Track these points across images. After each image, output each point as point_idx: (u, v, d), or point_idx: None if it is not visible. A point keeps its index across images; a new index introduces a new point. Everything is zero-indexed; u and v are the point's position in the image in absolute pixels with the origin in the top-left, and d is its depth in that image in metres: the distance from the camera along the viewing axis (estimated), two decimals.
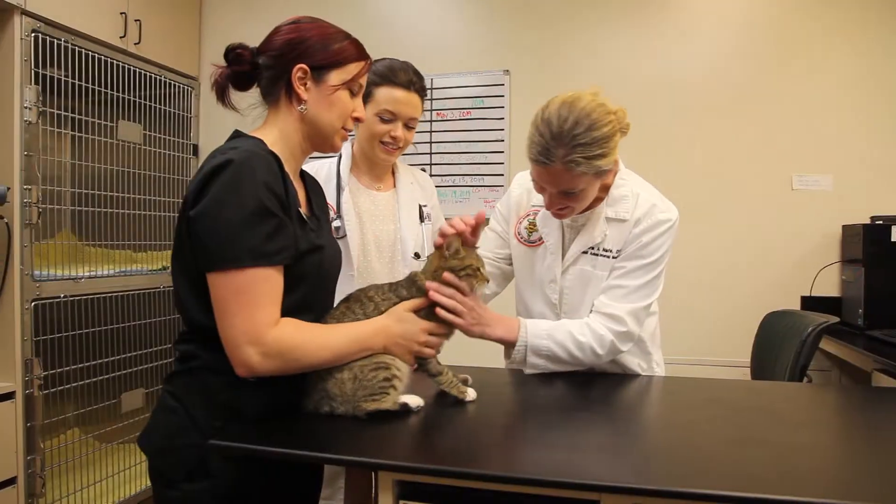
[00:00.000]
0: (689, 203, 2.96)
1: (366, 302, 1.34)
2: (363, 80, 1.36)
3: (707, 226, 3.06)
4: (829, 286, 2.99)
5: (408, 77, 1.83)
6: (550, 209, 1.58)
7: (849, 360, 2.65)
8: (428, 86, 3.31)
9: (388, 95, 1.80)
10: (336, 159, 1.94)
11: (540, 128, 1.47)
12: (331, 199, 1.85)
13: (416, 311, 1.35)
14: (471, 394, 1.38)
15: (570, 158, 1.44)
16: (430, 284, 1.37)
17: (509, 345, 1.58)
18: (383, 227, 1.89)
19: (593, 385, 1.60)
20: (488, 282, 1.49)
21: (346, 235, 1.82)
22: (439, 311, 1.37)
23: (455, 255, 1.38)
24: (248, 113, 1.36)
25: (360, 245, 1.84)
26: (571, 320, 1.61)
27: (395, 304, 1.35)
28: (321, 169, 1.90)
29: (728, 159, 3.06)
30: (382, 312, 1.33)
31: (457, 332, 1.43)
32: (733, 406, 1.42)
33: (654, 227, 1.59)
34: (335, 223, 1.80)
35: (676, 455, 1.12)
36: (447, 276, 1.38)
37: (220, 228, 1.14)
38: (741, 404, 1.44)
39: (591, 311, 1.62)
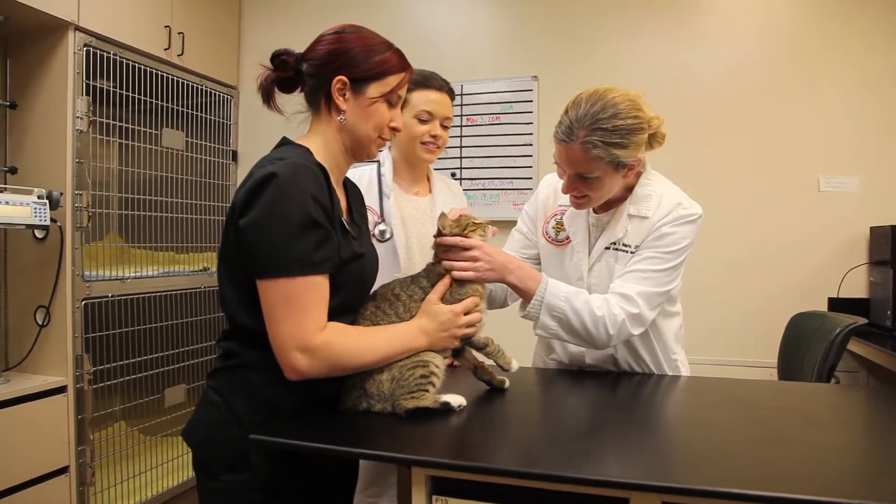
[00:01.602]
0: (716, 205, 2.93)
1: (393, 301, 1.36)
2: (402, 91, 1.36)
3: (734, 227, 3.01)
4: (856, 288, 2.92)
5: (439, 81, 1.91)
6: (567, 192, 1.59)
7: (877, 361, 2.58)
8: (458, 91, 3.35)
9: (423, 98, 1.87)
10: (376, 166, 1.98)
11: (569, 110, 1.51)
12: (373, 203, 1.90)
13: (443, 298, 1.37)
14: (514, 364, 1.45)
15: (588, 139, 1.47)
16: (443, 257, 1.43)
17: (525, 296, 1.54)
18: (424, 230, 1.93)
19: (620, 385, 1.58)
20: (488, 224, 1.49)
21: (391, 238, 1.87)
22: (454, 273, 1.41)
23: (453, 226, 1.45)
24: (293, 119, 1.37)
25: (406, 248, 1.90)
26: (592, 294, 1.57)
27: (420, 297, 1.37)
28: (363, 176, 1.95)
29: (755, 162, 3.01)
30: (411, 308, 1.35)
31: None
32: (760, 406, 1.40)
33: (676, 220, 1.57)
34: (380, 227, 1.87)
35: (703, 454, 1.11)
36: (440, 240, 1.44)
37: (270, 239, 1.16)
38: (768, 404, 1.41)
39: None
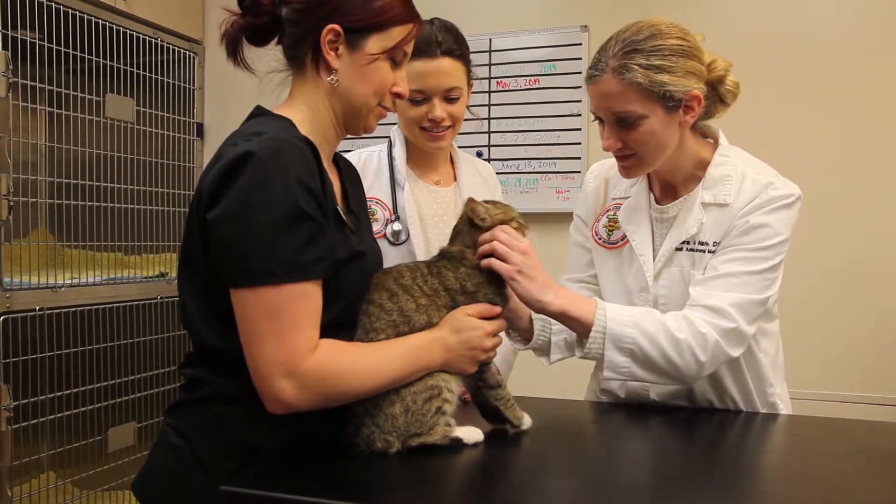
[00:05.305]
0: (819, 190, 2.88)
1: (398, 293, 1.35)
2: (409, 48, 1.39)
3: (845, 219, 2.97)
4: None
5: (429, 39, 1.85)
6: (608, 149, 1.60)
7: None
8: (486, 48, 3.35)
9: (410, 72, 1.84)
10: (386, 147, 1.99)
11: (600, 49, 1.57)
12: (384, 195, 1.92)
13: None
14: (526, 420, 1.44)
15: (621, 63, 1.51)
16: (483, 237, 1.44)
17: (579, 328, 1.52)
18: (447, 229, 1.92)
19: (697, 424, 1.58)
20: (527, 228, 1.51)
21: (408, 239, 1.88)
22: (489, 261, 1.41)
23: (491, 215, 1.45)
24: (269, 80, 1.38)
25: (425, 251, 1.89)
26: (663, 313, 1.56)
27: (445, 299, 1.37)
28: (370, 160, 1.97)
29: (871, 134, 2.97)
30: (423, 306, 1.35)
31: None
32: (891, 457, 1.38)
33: (767, 204, 1.57)
34: (393, 226, 1.89)
35: None
36: (500, 230, 1.44)
37: (247, 236, 1.18)
38: None
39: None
